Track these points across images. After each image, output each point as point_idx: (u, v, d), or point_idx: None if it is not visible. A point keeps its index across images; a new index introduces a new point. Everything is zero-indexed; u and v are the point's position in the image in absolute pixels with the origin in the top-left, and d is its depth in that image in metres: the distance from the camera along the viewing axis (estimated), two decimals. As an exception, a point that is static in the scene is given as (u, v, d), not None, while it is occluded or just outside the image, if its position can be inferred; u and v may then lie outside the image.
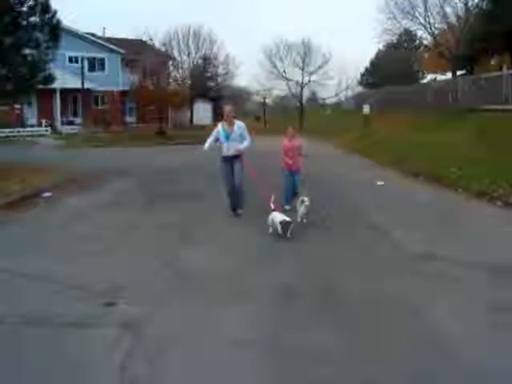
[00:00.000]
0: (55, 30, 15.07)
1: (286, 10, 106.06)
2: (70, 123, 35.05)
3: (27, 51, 14.80)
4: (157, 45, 40.40)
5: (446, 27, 31.62)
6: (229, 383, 3.46)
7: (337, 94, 46.01)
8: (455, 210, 9.16)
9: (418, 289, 5.12)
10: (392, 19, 34.04)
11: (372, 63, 50.35)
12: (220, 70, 47.39)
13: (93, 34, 38.30)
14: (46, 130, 31.99)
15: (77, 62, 34.92)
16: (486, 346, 3.88)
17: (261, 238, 7.00)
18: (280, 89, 45.87)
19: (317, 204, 7.84)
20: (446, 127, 17.47)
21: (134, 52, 36.62)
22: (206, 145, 8.41)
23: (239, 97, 53.39)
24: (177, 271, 5.73)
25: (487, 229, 7.66)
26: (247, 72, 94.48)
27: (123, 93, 37.83)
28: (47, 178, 12.33)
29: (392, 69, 42.01)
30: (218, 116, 36.37)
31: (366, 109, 27.16)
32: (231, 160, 8.35)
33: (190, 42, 44.47)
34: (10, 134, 29.04)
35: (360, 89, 47.57)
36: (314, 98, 52.31)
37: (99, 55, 37.71)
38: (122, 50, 38.07)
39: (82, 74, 33.25)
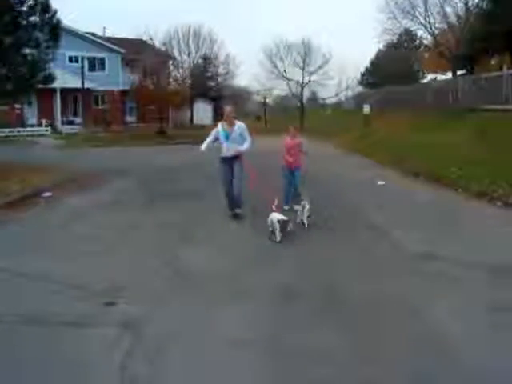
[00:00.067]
0: (55, 30, 15.06)
1: (286, 10, 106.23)
2: (70, 123, 35.05)
3: (27, 51, 14.80)
4: (157, 44, 40.44)
5: (446, 27, 31.62)
6: (228, 383, 3.46)
7: (337, 94, 46.06)
8: (455, 210, 9.16)
9: (417, 289, 5.12)
10: (392, 19, 34.10)
11: (372, 63, 50.35)
12: (220, 70, 47.47)
13: (93, 34, 38.29)
14: (46, 130, 31.99)
15: (77, 61, 34.91)
16: (486, 346, 3.88)
17: (260, 238, 6.99)
18: (280, 89, 45.97)
19: (317, 204, 7.82)
20: (446, 127, 17.47)
21: (134, 51, 36.60)
22: (204, 145, 8.30)
23: (239, 96, 53.45)
24: (176, 271, 5.74)
25: (487, 229, 7.66)
26: (247, 72, 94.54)
27: (123, 92, 37.82)
28: (47, 178, 12.33)
29: (392, 69, 42.01)
30: (218, 116, 36.34)
31: (366, 109, 27.15)
32: (230, 161, 8.22)
33: (191, 41, 44.55)
34: (10, 134, 29.04)
35: (360, 89, 47.59)
36: (314, 97, 52.32)
37: (99, 55, 37.71)
38: (122, 50, 38.06)
39: (82, 73, 33.26)
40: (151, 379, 3.46)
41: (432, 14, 31.44)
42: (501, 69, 20.33)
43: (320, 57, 42.48)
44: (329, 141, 24.54)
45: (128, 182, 12.67)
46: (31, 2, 14.48)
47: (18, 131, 30.21)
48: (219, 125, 8.37)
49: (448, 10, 30.37)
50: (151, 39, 39.06)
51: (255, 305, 4.72)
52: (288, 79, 43.50)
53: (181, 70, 44.05)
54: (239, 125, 8.28)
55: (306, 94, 46.39)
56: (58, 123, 34.12)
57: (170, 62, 42.43)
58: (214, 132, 8.33)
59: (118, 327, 4.21)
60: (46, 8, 14.72)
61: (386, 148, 17.88)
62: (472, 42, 25.32)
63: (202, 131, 29.97)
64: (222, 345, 3.93)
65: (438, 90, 24.33)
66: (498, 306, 4.56)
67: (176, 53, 43.78)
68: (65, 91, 33.56)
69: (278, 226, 6.84)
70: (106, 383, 3.43)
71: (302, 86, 43.15)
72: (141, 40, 38.61)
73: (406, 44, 45.54)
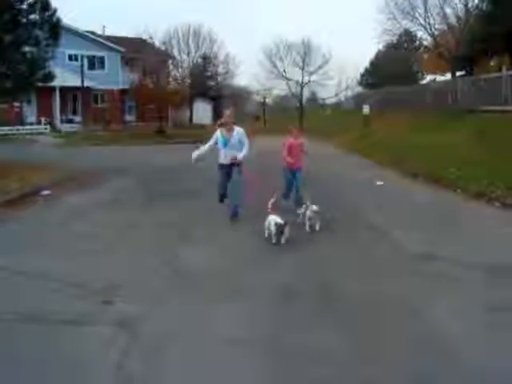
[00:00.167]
0: (55, 28, 15.07)
1: (286, 10, 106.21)
2: (70, 121, 35.04)
3: (27, 49, 14.80)
4: (157, 43, 40.48)
5: (445, 28, 31.67)
6: (226, 382, 3.46)
7: (337, 94, 46.10)
8: (454, 210, 9.17)
9: (417, 289, 5.12)
10: (392, 20, 34.10)
11: (372, 63, 50.39)
12: (220, 70, 47.45)
13: (93, 33, 38.28)
14: (46, 128, 31.99)
15: (76, 60, 34.89)
16: (486, 346, 3.87)
17: (260, 238, 6.97)
18: (280, 88, 46.01)
19: (317, 204, 7.81)
20: (445, 128, 17.49)
21: (133, 50, 36.64)
22: (196, 152, 8.21)
23: (239, 96, 53.45)
24: (175, 270, 5.73)
25: (486, 229, 7.67)
26: (247, 71, 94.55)
27: (123, 91, 37.81)
28: (46, 176, 12.32)
29: (392, 69, 42.06)
30: (217, 116, 36.36)
31: (366, 109, 27.18)
32: (228, 167, 8.09)
33: (190, 40, 44.52)
34: (10, 132, 29.02)
35: (360, 89, 47.63)
36: (313, 98, 52.34)
37: (99, 53, 37.70)
38: (121, 49, 38.06)
39: (82, 72, 33.24)
40: (147, 378, 3.45)
41: (432, 15, 31.54)
42: (500, 70, 20.35)
43: (320, 57, 42.57)
44: (328, 141, 24.56)
45: (127, 181, 12.66)
46: (31, 0, 14.49)
47: (17, 129, 30.21)
48: (218, 130, 8.21)
49: (448, 11, 30.48)
50: (151, 38, 39.13)
51: (254, 304, 4.71)
52: (288, 79, 43.58)
53: (180, 70, 44.10)
54: (238, 130, 8.13)
55: (306, 94, 46.51)
56: (57, 122, 34.11)
57: (170, 62, 42.44)
58: (214, 136, 8.20)
59: (116, 326, 4.21)
60: (45, 6, 14.73)
61: (385, 148, 17.90)
62: (471, 43, 25.36)
63: (202, 131, 30.07)
64: (219, 344, 3.92)
65: (437, 90, 24.37)
66: (498, 306, 4.55)
67: (176, 52, 43.83)
68: (64, 89, 33.55)
69: (274, 230, 6.63)
70: (103, 382, 3.42)
71: (302, 85, 43.19)
72: (140, 39, 38.64)
73: (405, 45, 45.58)
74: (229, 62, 47.26)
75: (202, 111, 45.49)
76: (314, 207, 7.37)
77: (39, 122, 33.03)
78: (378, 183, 12.16)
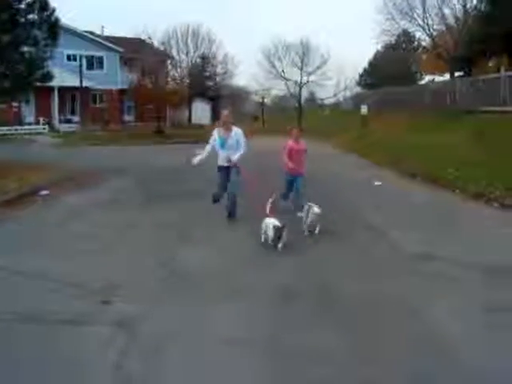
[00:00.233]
0: (54, 28, 15.05)
1: (285, 10, 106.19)
2: (68, 121, 35.04)
3: (25, 49, 14.78)
4: (155, 44, 40.41)
5: (444, 29, 31.68)
6: (225, 382, 3.46)
7: (335, 95, 46.09)
8: (452, 210, 9.18)
9: (416, 289, 5.12)
10: (390, 20, 34.10)
11: (370, 64, 50.42)
12: (218, 70, 47.48)
13: (91, 33, 38.26)
14: (44, 128, 31.96)
15: (75, 60, 34.86)
16: (485, 346, 3.88)
17: (258, 239, 6.94)
18: (278, 89, 45.98)
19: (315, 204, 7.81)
20: (443, 128, 17.51)
21: (132, 51, 36.62)
22: (197, 159, 8.00)
23: (238, 96, 53.47)
24: (173, 270, 5.73)
25: (484, 230, 7.68)
26: (246, 72, 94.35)
27: (122, 91, 37.80)
28: (45, 176, 12.31)
29: (390, 70, 42.11)
30: (216, 116, 36.37)
31: (364, 109, 27.21)
32: (226, 169, 7.97)
33: (189, 41, 44.54)
34: (8, 132, 28.99)
35: (358, 89, 47.66)
36: (312, 98, 52.33)
37: (98, 53, 37.69)
38: (120, 49, 38.04)
39: (81, 72, 33.21)
40: (146, 378, 3.45)
41: (430, 15, 31.54)
42: (498, 71, 20.39)
43: (318, 57, 42.57)
44: (327, 141, 24.58)
45: (126, 181, 12.66)
46: (29, 0, 14.47)
47: (16, 129, 30.18)
48: (215, 131, 8.10)
49: (446, 11, 30.49)
50: (150, 38, 39.06)
51: (253, 305, 4.71)
52: (286, 79, 43.57)
53: (179, 70, 44.09)
54: (236, 131, 7.98)
55: (304, 94, 46.49)
56: (56, 122, 34.10)
57: (169, 62, 42.43)
58: (212, 140, 8.07)
59: (115, 326, 4.21)
60: (44, 6, 14.72)
61: (383, 148, 17.91)
62: (470, 44, 25.40)
63: (201, 131, 30.07)
64: (218, 344, 3.92)
65: (435, 91, 24.41)
66: (496, 307, 4.56)
67: (174, 52, 43.82)
68: (63, 90, 33.53)
69: (272, 234, 6.42)
70: (102, 382, 3.42)
71: (300, 86, 43.19)
72: (139, 39, 38.60)
73: (404, 45, 45.64)
74: (227, 62, 47.36)
75: (201, 111, 45.51)
76: (316, 209, 7.15)
77: (38, 122, 33.01)
78: (376, 183, 12.17)
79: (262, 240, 6.67)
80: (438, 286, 5.21)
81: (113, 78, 38.08)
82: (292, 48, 43.45)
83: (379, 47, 47.01)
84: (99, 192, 11.10)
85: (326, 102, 48.72)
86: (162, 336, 4.05)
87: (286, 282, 5.33)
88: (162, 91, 32.60)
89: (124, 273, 5.62)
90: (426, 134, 17.38)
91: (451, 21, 30.65)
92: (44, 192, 10.62)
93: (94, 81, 35.58)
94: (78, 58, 34.61)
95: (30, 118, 33.47)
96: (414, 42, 43.92)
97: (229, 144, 7.90)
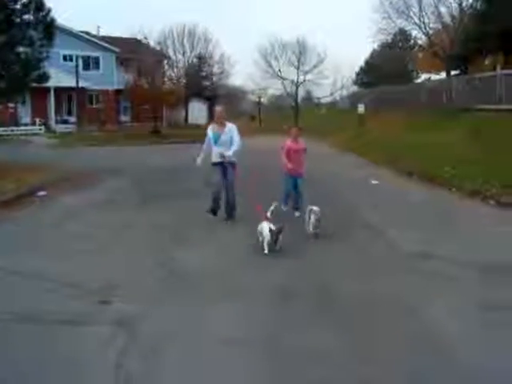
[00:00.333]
0: (49, 28, 15.01)
1: (281, 9, 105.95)
2: (65, 122, 34.93)
3: (21, 49, 14.73)
4: (152, 44, 40.33)
5: (440, 27, 31.74)
6: (224, 381, 3.47)
7: (332, 94, 46.13)
8: (449, 209, 9.21)
9: (413, 288, 5.14)
10: (387, 19, 34.16)
11: (367, 63, 50.42)
12: (215, 69, 47.37)
13: (87, 33, 38.16)
14: (40, 129, 31.87)
15: (71, 60, 34.77)
16: (482, 344, 3.90)
17: (256, 239, 6.91)
18: (275, 88, 46.01)
19: (312, 203, 7.79)
20: (440, 127, 17.54)
21: (128, 51, 36.53)
22: (199, 160, 7.97)
23: (234, 96, 53.43)
24: (171, 270, 5.73)
25: (481, 228, 7.70)
26: (242, 71, 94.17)
27: (118, 92, 37.72)
28: (42, 177, 12.29)
29: (387, 68, 42.13)
30: (212, 115, 36.30)
31: (361, 108, 27.21)
32: (222, 166, 7.84)
33: (185, 40, 44.44)
34: (4, 133, 28.88)
35: (355, 88, 47.63)
36: (309, 97, 52.35)
37: (94, 54, 37.58)
38: (116, 49, 37.96)
39: (77, 72, 33.14)
40: (145, 377, 3.46)
41: (426, 14, 31.61)
42: (494, 69, 20.43)
43: (315, 56, 42.63)
44: (323, 140, 24.57)
45: (122, 182, 12.64)
46: (25, 0, 14.42)
47: (12, 130, 30.08)
48: (209, 129, 8.00)
49: (442, 10, 30.54)
50: (146, 38, 38.99)
51: (250, 305, 4.72)
52: (283, 78, 43.59)
53: (175, 70, 44.03)
54: (230, 126, 7.87)
55: (301, 93, 46.51)
56: (52, 122, 34.00)
57: (165, 62, 42.33)
58: (207, 139, 7.97)
59: (113, 325, 4.21)
60: (40, 6, 14.67)
61: (380, 147, 17.94)
62: (466, 42, 25.44)
63: (197, 131, 30.00)
64: (216, 343, 3.93)
65: (432, 89, 24.44)
66: (493, 305, 4.59)
67: (171, 52, 43.74)
68: (59, 90, 33.42)
69: (269, 237, 6.24)
70: (101, 381, 3.42)
71: (297, 85, 43.21)
72: (135, 39, 38.53)
73: (400, 44, 45.65)
74: (224, 62, 47.25)
75: (198, 111, 45.43)
76: (317, 211, 6.99)
77: (34, 123, 32.90)
78: (373, 182, 12.19)
79: (260, 243, 6.46)
80: (436, 284, 5.23)
81: (109, 78, 38.00)
82: (288, 47, 43.54)
83: (376, 46, 47.07)
84: (96, 192, 11.08)
85: (323, 100, 48.77)
86: (161, 336, 4.05)
87: (283, 282, 5.34)
88: (158, 91, 32.53)
89: (122, 273, 5.62)
90: (423, 133, 17.41)
91: (447, 19, 30.75)
92: (41, 193, 10.61)
93: (90, 81, 35.47)
94: (74, 59, 34.49)
95: (27, 119, 33.36)
96: (410, 41, 43.91)
97: (222, 140, 7.77)
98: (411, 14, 32.30)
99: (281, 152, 8.46)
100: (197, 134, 21.85)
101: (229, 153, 7.67)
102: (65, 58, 34.69)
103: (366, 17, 68.28)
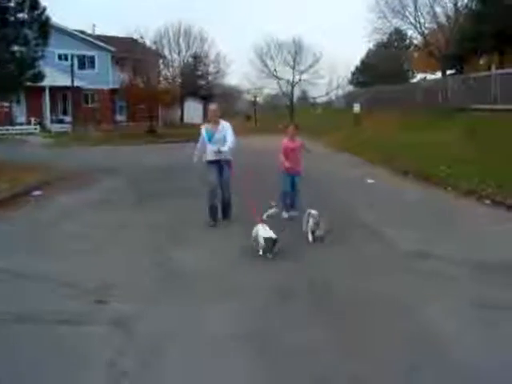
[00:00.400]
0: (44, 27, 14.97)
1: (277, 9, 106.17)
2: (60, 121, 34.83)
3: (15, 48, 14.67)
4: (147, 43, 40.25)
5: (435, 27, 31.84)
6: (219, 379, 3.47)
7: (327, 93, 46.23)
8: (445, 208, 9.23)
9: (410, 287, 5.14)
10: (382, 18, 34.24)
11: (362, 62, 50.50)
12: (211, 69, 47.33)
13: (83, 32, 38.07)
14: (35, 129, 31.77)
15: (66, 59, 34.67)
16: (477, 343, 3.90)
17: (251, 239, 6.85)
18: (271, 87, 46.09)
19: (310, 202, 7.78)
20: (435, 126, 17.59)
21: (124, 50, 36.46)
22: (195, 158, 7.93)
23: (230, 95, 53.42)
24: (167, 270, 5.72)
25: (477, 227, 7.71)
26: (238, 70, 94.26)
27: (113, 91, 37.64)
28: (37, 177, 12.26)
29: (382, 68, 42.22)
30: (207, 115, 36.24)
31: (357, 108, 27.26)
32: (216, 164, 7.72)
33: (181, 40, 44.34)
34: (-1, 132, 28.81)
35: (350, 88, 47.76)
36: (304, 96, 52.43)
37: (89, 53, 37.49)
38: (112, 48, 37.88)
39: (72, 71, 33.03)
40: (141, 377, 3.45)
41: (422, 13, 31.71)
42: (489, 68, 20.52)
43: (311, 56, 42.78)
44: (319, 139, 24.55)
45: (118, 181, 12.61)
46: (19, -1, 14.38)
47: (7, 129, 29.98)
48: (203, 128, 7.89)
49: (438, 10, 30.64)
50: (141, 38, 38.91)
51: (246, 304, 4.72)
52: (278, 78, 43.64)
53: (171, 69, 43.92)
54: (224, 124, 7.74)
55: (297, 92, 46.58)
56: (48, 122, 33.90)
57: (161, 61, 42.26)
58: (201, 138, 7.86)
59: (109, 325, 4.21)
60: (34, 5, 14.62)
61: (375, 147, 17.96)
62: (461, 42, 25.54)
63: (193, 130, 29.95)
64: (213, 343, 3.92)
65: (427, 89, 24.53)
66: (490, 304, 4.61)
67: (166, 51, 43.65)
68: (54, 89, 33.31)
69: (263, 247, 6.01)
70: (98, 380, 3.41)
71: (293, 84, 43.24)
72: (131, 38, 38.43)
73: (396, 43, 45.74)
74: (219, 61, 47.22)
75: (193, 110, 45.39)
76: (314, 213, 6.82)
77: (29, 122, 32.79)
78: (369, 181, 12.21)
79: (255, 246, 6.29)
80: (432, 283, 5.23)
81: (104, 77, 37.91)
82: (284, 47, 43.66)
83: (371, 45, 47.19)
84: (92, 192, 11.06)
85: (319, 100, 48.91)
86: (157, 335, 4.05)
87: (280, 282, 5.33)
88: (153, 91, 32.48)
89: (118, 273, 5.60)
90: (418, 132, 17.46)
91: (443, 19, 30.84)
92: (36, 192, 10.58)
93: (85, 80, 35.36)
94: (69, 58, 34.38)
95: (22, 118, 33.24)
96: (405, 41, 44.03)
97: (216, 138, 7.63)
98: (407, 13, 32.47)
99: (279, 151, 8.30)
100: (192, 134, 21.81)
101: (225, 148, 7.51)
102: (60, 57, 34.62)
103: (361, 16, 68.31)
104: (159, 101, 33.77)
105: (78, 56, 36.00)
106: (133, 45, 37.04)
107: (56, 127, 32.92)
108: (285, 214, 8.05)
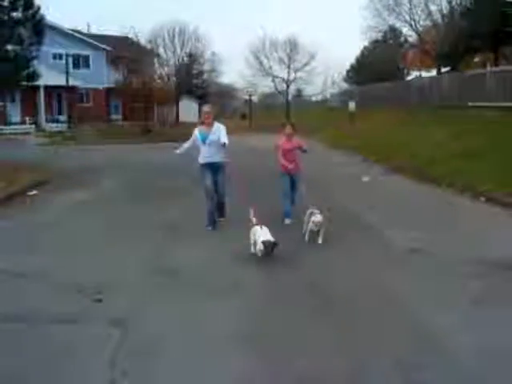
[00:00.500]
0: (39, 26, 14.91)
1: (273, 7, 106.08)
2: (55, 121, 34.70)
3: (9, 47, 14.61)
4: (142, 42, 40.14)
5: (430, 25, 31.89)
6: (216, 377, 3.47)
7: (322, 91, 46.27)
8: (440, 205, 9.27)
9: (409, 285, 5.17)
10: (377, 17, 34.35)
11: (357, 60, 50.52)
12: (206, 68, 47.25)
13: (77, 31, 37.96)
14: (30, 128, 31.64)
15: (61, 58, 34.50)
16: (472, 338, 3.92)
17: (248, 237, 6.82)
18: (266, 86, 46.07)
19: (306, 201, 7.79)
20: (430, 124, 17.63)
21: (119, 49, 36.34)
22: (180, 149, 7.80)
23: (225, 94, 53.36)
24: (164, 269, 5.71)
25: (473, 225, 7.75)
26: (233, 69, 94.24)
27: (108, 90, 37.55)
28: (33, 177, 12.22)
29: (377, 66, 42.23)
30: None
31: (352, 105, 27.28)
32: (211, 166, 7.55)
33: (176, 39, 44.22)
34: (-7, 132, 28.67)
35: (345, 86, 47.82)
36: (299, 94, 52.45)
37: (84, 52, 37.39)
38: (107, 47, 37.77)
39: (67, 71, 32.91)
40: (140, 374, 3.45)
41: (417, 11, 31.77)
42: (484, 66, 20.59)
43: (306, 54, 42.74)
44: (314, 137, 24.57)
45: (113, 181, 12.58)
46: (12, -3, 14.33)
47: (1, 129, 29.81)
48: (196, 128, 7.74)
49: (432, 8, 30.69)
50: (136, 37, 38.82)
51: (244, 303, 4.73)
52: (274, 76, 43.62)
53: (166, 68, 43.82)
54: (218, 126, 7.54)
55: (292, 91, 46.61)
56: (43, 121, 33.76)
57: (156, 60, 42.17)
58: (193, 136, 7.70)
59: (107, 324, 4.22)
60: (28, 4, 14.56)
61: (370, 145, 17.98)
62: (456, 40, 25.59)
63: (188, 129, 29.91)
64: (211, 342, 3.93)
65: (422, 87, 24.58)
66: (489, 300, 4.67)
67: (161, 50, 43.54)
68: (49, 89, 33.16)
69: (263, 252, 5.81)
70: (96, 380, 3.41)
71: (288, 83, 43.26)
72: (126, 37, 38.33)
73: (391, 41, 45.77)
74: (215, 60, 47.15)
75: (189, 109, 45.30)
76: (319, 217, 6.66)
77: (24, 122, 32.65)
78: (364, 179, 12.24)
79: (252, 250, 6.14)
80: (429, 281, 5.26)
81: (99, 76, 37.79)
82: (279, 45, 43.58)
83: (366, 43, 47.22)
84: (88, 192, 11.01)
85: (314, 98, 48.94)
86: (155, 334, 4.05)
87: (276, 281, 5.35)
88: (148, 90, 32.42)
89: (115, 272, 5.60)
90: (414, 130, 17.50)
91: (437, 17, 30.90)
92: (32, 192, 10.55)
93: (80, 80, 35.26)
94: (64, 57, 34.22)
95: (16, 118, 33.08)
96: (400, 38, 44.06)
97: (211, 139, 7.46)
98: (401, 11, 32.50)
99: (276, 151, 8.14)
100: (189, 133, 21.81)
101: (225, 140, 7.26)
102: (55, 56, 34.48)
103: (356, 15, 68.68)
104: (154, 100, 33.70)
105: (73, 55, 35.84)
106: (128, 44, 36.94)
107: (51, 127, 32.77)
108: (286, 220, 7.86)
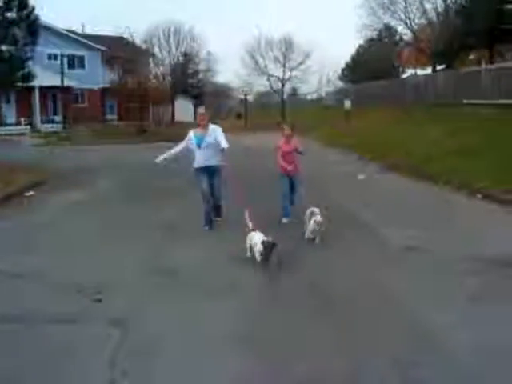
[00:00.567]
0: (33, 27, 14.86)
1: (268, 6, 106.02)
2: (50, 121, 34.60)
3: (4, 48, 14.55)
4: (137, 42, 40.08)
5: (425, 23, 31.97)
6: (215, 377, 3.47)
7: (318, 90, 46.32)
8: (436, 202, 9.30)
9: (404, 283, 5.18)
10: (372, 15, 34.41)
11: (353, 58, 50.59)
12: (201, 67, 47.25)
13: (72, 31, 37.87)
14: (26, 129, 31.53)
15: (56, 59, 34.39)
16: (469, 335, 3.94)
17: (245, 237, 6.80)
18: (261, 84, 46.10)
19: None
20: (426, 122, 17.67)
21: (114, 49, 36.26)
22: (161, 156, 7.58)
23: (221, 93, 53.33)
24: (163, 269, 5.71)
25: (469, 222, 7.77)
26: (229, 69, 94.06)
27: (104, 90, 37.46)
28: (29, 177, 12.19)
29: (372, 64, 42.29)
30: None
31: (347, 104, 27.32)
32: (206, 170, 7.43)
33: (171, 38, 44.19)
34: (-12, 134, 28.55)
35: (341, 84, 47.87)
36: (295, 93, 52.48)
37: (79, 52, 37.29)
38: (102, 47, 37.68)
39: (62, 71, 32.80)
40: (139, 375, 3.45)
41: (412, 10, 31.84)
42: (479, 63, 20.65)
43: (301, 52, 42.82)
44: (309, 136, 24.59)
45: (109, 182, 12.56)
46: (6, -2, 14.28)
47: (-4, 130, 29.74)
48: (191, 132, 7.56)
49: (427, 6, 30.76)
50: (132, 37, 38.75)
51: (242, 303, 4.73)
52: (269, 75, 43.64)
53: (161, 68, 43.80)
54: (213, 128, 7.40)
55: (287, 89, 46.63)
56: (38, 122, 33.65)
57: (151, 60, 42.11)
58: (186, 139, 7.53)
59: (106, 324, 4.22)
60: (23, 4, 14.51)
61: (366, 143, 17.99)
62: (451, 38, 25.65)
63: (183, 130, 29.88)
64: (209, 341, 3.94)
65: (417, 85, 24.63)
66: (485, 297, 4.69)
67: (156, 50, 43.50)
68: (44, 89, 33.07)
69: (261, 250, 5.65)
70: (96, 380, 3.41)
71: (283, 82, 43.27)
72: (121, 37, 38.26)
73: (386, 39, 45.82)
74: (210, 60, 47.16)
75: (184, 109, 45.28)
76: (319, 218, 6.61)
77: (19, 123, 32.54)
78: (360, 177, 12.26)
79: (248, 255, 6.02)
80: (427, 280, 5.27)
81: (94, 76, 37.70)
82: (275, 44, 43.62)
83: (361, 42, 47.29)
84: (84, 192, 10.99)
85: (309, 97, 48.99)
86: (155, 334, 4.06)
87: (274, 280, 5.36)
88: (144, 89, 32.37)
89: (113, 272, 5.60)
90: (409, 128, 17.54)
91: (432, 15, 30.96)
92: (29, 193, 10.53)
93: (75, 80, 35.18)
94: (58, 58, 34.10)
95: (11, 119, 32.96)
96: (395, 36, 44.12)
97: (207, 141, 7.31)
98: (397, 9, 32.57)
99: (275, 153, 8.11)
100: (184, 133, 21.81)
101: (225, 144, 7.13)
102: (49, 56, 34.38)
103: (351, 13, 68.71)
104: (150, 100, 33.65)
105: (68, 55, 35.71)
106: (123, 44, 36.87)
107: (46, 127, 32.68)
108: (284, 219, 7.83)
